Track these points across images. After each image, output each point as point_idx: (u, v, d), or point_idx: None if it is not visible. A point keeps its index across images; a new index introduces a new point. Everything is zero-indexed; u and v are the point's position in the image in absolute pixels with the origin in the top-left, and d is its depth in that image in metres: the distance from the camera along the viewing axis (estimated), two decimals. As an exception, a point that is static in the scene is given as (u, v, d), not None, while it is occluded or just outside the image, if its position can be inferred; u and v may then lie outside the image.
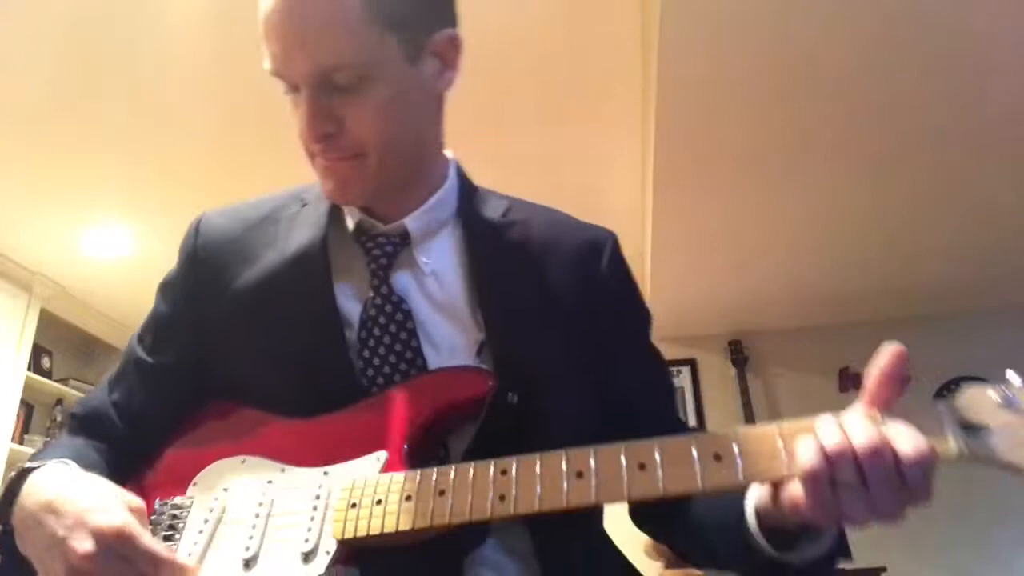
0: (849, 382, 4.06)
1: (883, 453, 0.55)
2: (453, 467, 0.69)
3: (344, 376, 0.79)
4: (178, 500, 0.80)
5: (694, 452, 0.61)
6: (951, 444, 0.54)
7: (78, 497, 0.69)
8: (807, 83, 2.43)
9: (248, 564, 0.73)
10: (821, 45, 2.28)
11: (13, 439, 3.73)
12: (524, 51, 2.55)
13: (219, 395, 0.86)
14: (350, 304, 0.82)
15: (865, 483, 0.55)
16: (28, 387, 3.85)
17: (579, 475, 0.64)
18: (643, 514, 0.86)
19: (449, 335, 0.81)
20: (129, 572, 0.66)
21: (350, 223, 0.87)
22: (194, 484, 0.81)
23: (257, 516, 0.76)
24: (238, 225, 0.90)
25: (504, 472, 0.66)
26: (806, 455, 0.57)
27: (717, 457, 0.60)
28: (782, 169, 2.90)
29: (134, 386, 0.89)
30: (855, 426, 0.57)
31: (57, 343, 4.23)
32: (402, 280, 0.83)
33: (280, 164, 3.10)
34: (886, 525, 0.56)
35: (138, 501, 0.72)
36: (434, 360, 0.80)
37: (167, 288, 0.92)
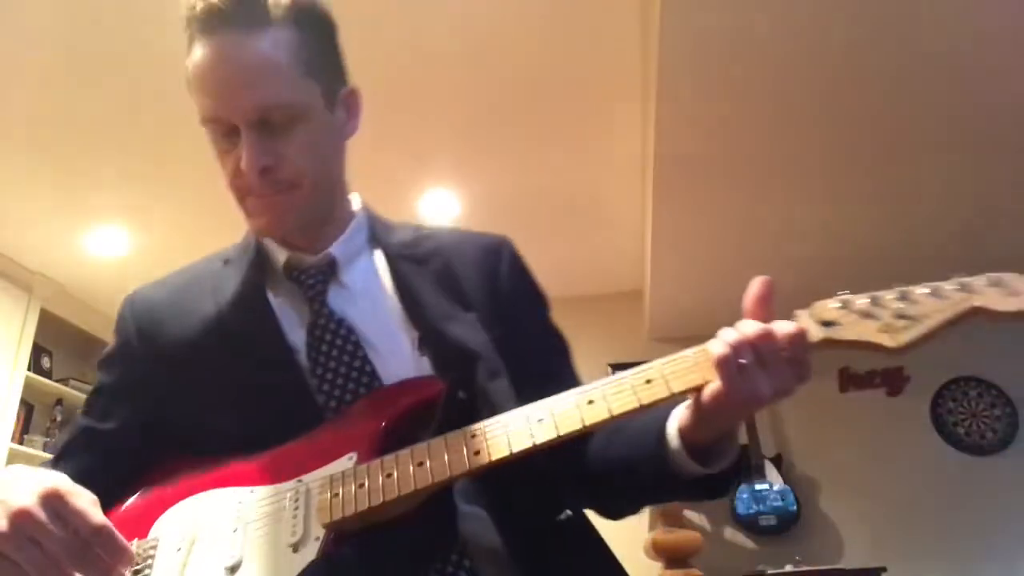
0: (849, 382, 4.06)
1: (770, 337, 0.72)
2: (427, 443, 0.75)
3: (304, 399, 0.84)
4: (140, 540, 0.80)
5: (629, 383, 0.75)
6: (814, 331, 0.74)
7: (31, 472, 0.73)
8: (807, 84, 2.43)
9: (233, 569, 0.73)
10: (820, 47, 2.28)
11: (13, 439, 3.73)
12: (524, 53, 2.55)
13: (173, 452, 0.88)
14: (294, 334, 0.89)
15: (762, 361, 0.72)
16: (28, 387, 3.86)
17: (540, 420, 0.74)
18: (574, 478, 0.92)
19: (388, 340, 0.89)
20: (62, 531, 0.67)
21: (279, 261, 0.95)
22: (156, 526, 0.81)
23: (235, 530, 0.76)
24: (166, 291, 0.98)
25: (474, 436, 0.74)
26: (715, 348, 0.73)
27: (648, 381, 0.75)
28: (782, 169, 2.90)
29: (85, 454, 0.91)
30: (747, 325, 0.75)
31: (57, 343, 4.23)
32: (337, 302, 0.91)
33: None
34: (782, 398, 0.72)
35: (90, 494, 0.73)
36: (380, 365, 0.87)
37: (107, 362, 0.96)
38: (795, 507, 3.76)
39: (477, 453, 0.73)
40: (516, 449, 0.73)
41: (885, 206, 3.13)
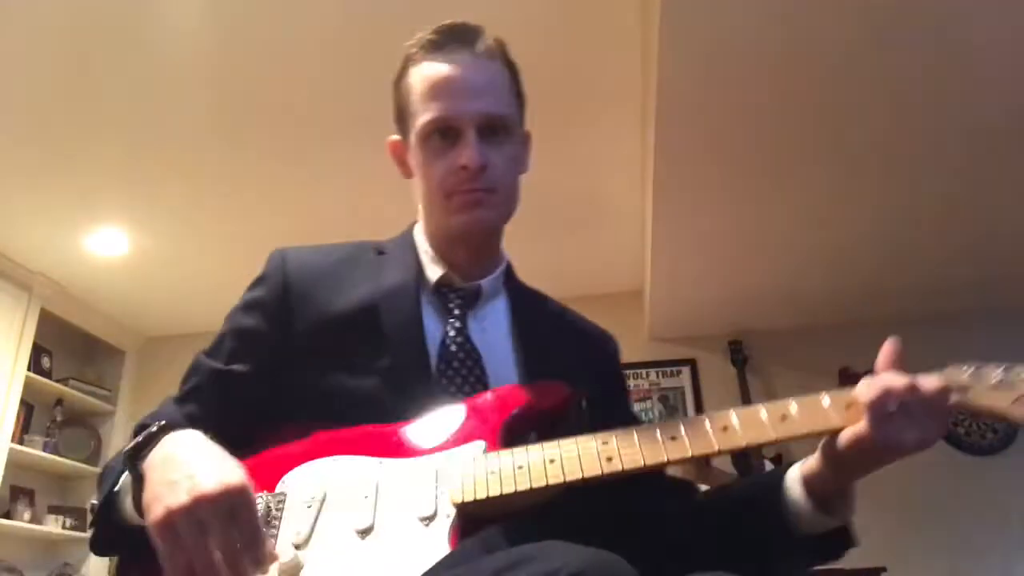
0: (849, 382, 4.03)
1: (917, 388, 0.75)
2: (557, 441, 0.78)
3: (427, 386, 0.91)
4: (269, 494, 0.82)
5: (763, 415, 0.77)
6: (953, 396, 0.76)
7: (215, 452, 0.76)
8: (807, 84, 2.43)
9: (364, 533, 0.75)
10: (821, 47, 2.28)
11: (13, 439, 3.72)
12: (524, 52, 2.54)
13: (291, 415, 0.92)
14: (427, 338, 0.96)
15: (908, 411, 0.74)
16: (28, 387, 3.85)
17: (673, 438, 0.76)
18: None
19: (504, 379, 0.96)
20: (227, 532, 0.68)
21: (433, 275, 1.02)
22: (283, 482, 0.84)
23: (366, 497, 0.78)
24: (323, 259, 1.03)
25: (605, 442, 0.77)
26: (865, 392, 0.76)
27: (783, 417, 0.77)
28: (782, 170, 2.90)
29: (209, 396, 0.96)
30: (890, 376, 0.76)
31: (57, 343, 4.23)
32: (471, 329, 0.99)
33: (279, 165, 3.11)
34: (922, 449, 0.74)
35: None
36: None
37: (250, 306, 1.00)
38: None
39: (610, 460, 0.75)
40: (649, 463, 0.75)
41: (887, 205, 3.13)
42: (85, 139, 2.93)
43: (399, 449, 0.83)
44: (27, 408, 4.01)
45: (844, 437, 0.78)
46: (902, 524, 3.69)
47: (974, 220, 3.23)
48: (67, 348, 4.37)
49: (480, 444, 0.81)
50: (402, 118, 1.05)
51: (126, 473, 0.82)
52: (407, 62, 1.04)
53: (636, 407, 4.00)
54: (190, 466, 0.72)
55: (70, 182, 3.20)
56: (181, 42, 2.48)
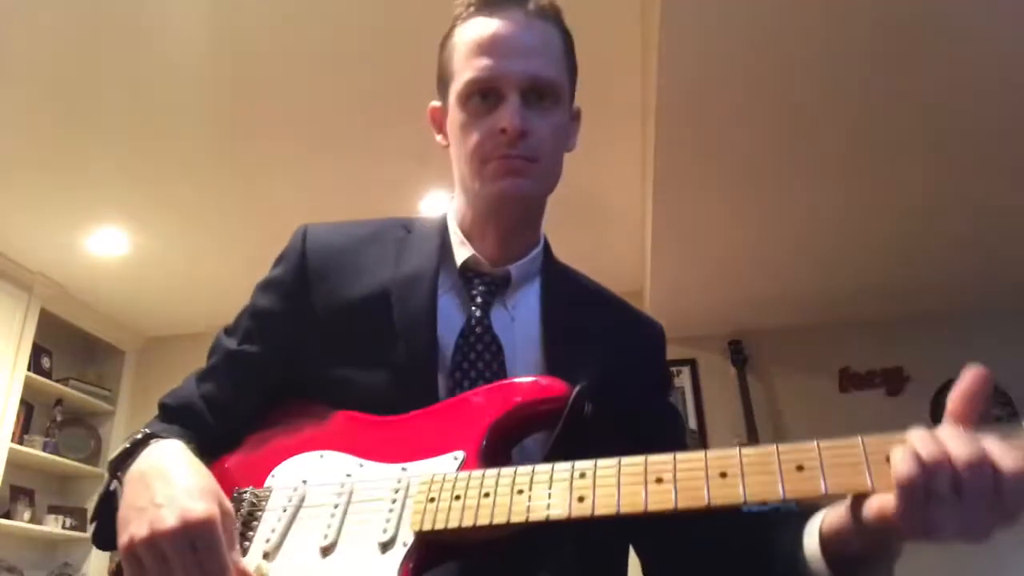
0: (849, 382, 4.06)
1: (983, 466, 0.53)
2: (532, 467, 0.70)
3: (431, 383, 0.86)
4: (256, 490, 0.83)
5: (776, 461, 0.61)
6: None
7: (185, 475, 0.75)
8: (807, 83, 2.43)
9: (326, 552, 0.74)
10: (821, 46, 2.28)
11: (13, 439, 3.72)
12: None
13: (302, 391, 0.91)
14: (446, 330, 0.90)
15: (960, 496, 0.53)
16: (28, 387, 3.85)
17: (659, 480, 0.63)
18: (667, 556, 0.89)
19: (526, 374, 0.89)
20: (187, 564, 0.69)
21: (458, 258, 0.95)
22: (272, 476, 0.84)
23: (336, 506, 0.77)
24: (347, 239, 0.98)
25: (583, 475, 0.67)
26: (903, 463, 0.55)
27: (799, 468, 0.60)
28: (782, 169, 2.90)
29: (224, 377, 0.94)
30: (953, 437, 0.55)
31: (57, 343, 4.23)
32: (496, 320, 0.92)
33: (279, 165, 3.11)
34: (971, 543, 0.54)
35: (229, 505, 0.75)
36: None
37: (268, 285, 0.98)
38: (795, 507, 3.76)
39: (581, 500, 0.65)
40: (625, 511, 0.63)
41: (887, 205, 3.13)
42: (85, 139, 2.93)
43: (382, 450, 0.81)
44: (27, 408, 4.01)
45: (870, 505, 0.60)
46: (902, 524, 3.69)
47: (974, 220, 3.23)
48: (67, 348, 4.37)
49: (458, 456, 0.76)
50: (443, 81, 0.96)
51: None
52: (454, 20, 0.95)
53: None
54: (157, 494, 0.72)
55: (70, 182, 3.20)
56: (182, 42, 2.48)
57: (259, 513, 0.80)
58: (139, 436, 0.84)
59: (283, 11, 2.39)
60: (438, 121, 1.00)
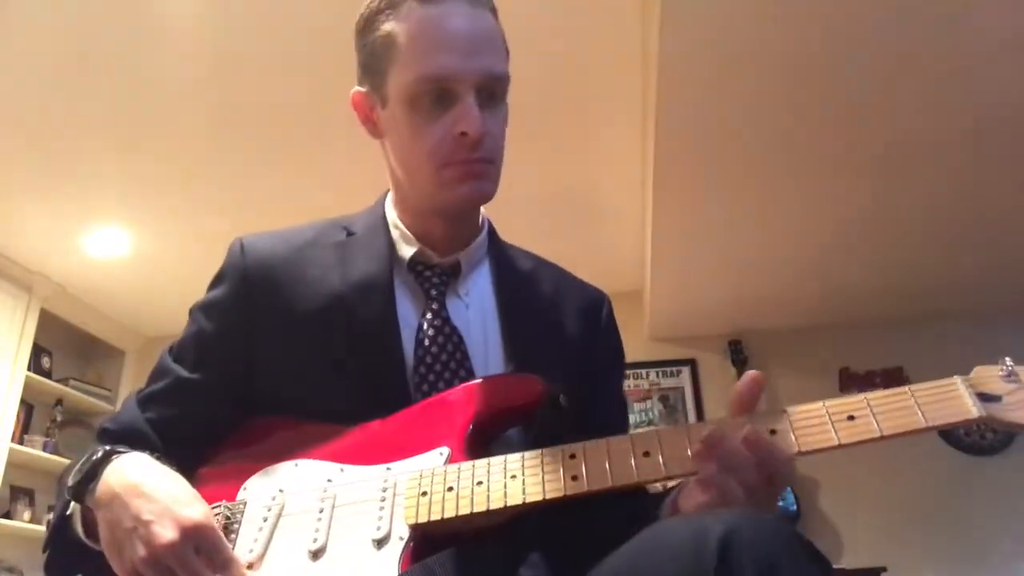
0: (849, 382, 4.06)
1: (721, 442, 0.67)
2: (520, 453, 0.72)
3: (400, 389, 0.85)
4: (229, 504, 0.80)
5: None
6: (972, 409, 0.63)
7: (163, 486, 0.73)
8: (807, 84, 2.43)
9: (316, 555, 0.73)
10: (822, 47, 2.28)
11: (13, 439, 3.72)
12: (525, 52, 2.55)
13: (262, 411, 0.88)
14: (404, 326, 0.89)
15: (727, 466, 0.67)
16: (28, 387, 3.85)
17: (646, 454, 0.69)
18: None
19: (485, 360, 0.90)
20: (200, 566, 0.68)
21: (406, 255, 0.93)
22: (244, 489, 0.82)
23: (321, 510, 0.76)
24: (287, 248, 0.94)
25: (573, 456, 0.70)
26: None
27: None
28: (782, 169, 2.90)
29: (172, 404, 0.90)
30: (718, 427, 0.69)
31: (57, 343, 4.23)
32: (451, 308, 0.91)
33: (278, 165, 3.11)
34: (762, 500, 0.67)
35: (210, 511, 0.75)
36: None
37: (211, 308, 0.94)
38: (795, 507, 3.76)
39: (575, 479, 0.69)
40: (617, 484, 0.68)
41: (887, 206, 3.13)
42: (85, 139, 2.93)
43: (361, 454, 0.80)
44: (27, 408, 4.01)
45: (693, 482, 0.71)
46: (902, 524, 3.69)
47: (974, 221, 3.23)
48: (67, 348, 4.36)
49: (444, 451, 0.76)
50: (374, 69, 0.89)
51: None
52: (383, 4, 0.88)
53: (636, 408, 4.03)
54: (141, 511, 0.70)
55: (70, 182, 3.20)
56: (181, 42, 2.48)
57: (236, 526, 0.78)
58: (98, 455, 0.79)
59: (283, 12, 2.39)
60: (364, 110, 0.94)
